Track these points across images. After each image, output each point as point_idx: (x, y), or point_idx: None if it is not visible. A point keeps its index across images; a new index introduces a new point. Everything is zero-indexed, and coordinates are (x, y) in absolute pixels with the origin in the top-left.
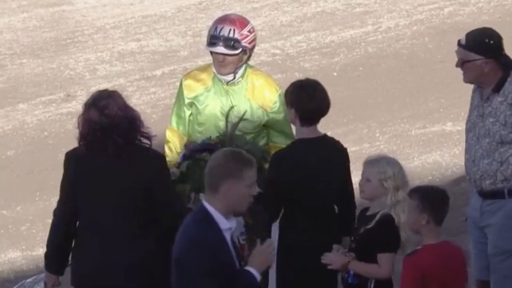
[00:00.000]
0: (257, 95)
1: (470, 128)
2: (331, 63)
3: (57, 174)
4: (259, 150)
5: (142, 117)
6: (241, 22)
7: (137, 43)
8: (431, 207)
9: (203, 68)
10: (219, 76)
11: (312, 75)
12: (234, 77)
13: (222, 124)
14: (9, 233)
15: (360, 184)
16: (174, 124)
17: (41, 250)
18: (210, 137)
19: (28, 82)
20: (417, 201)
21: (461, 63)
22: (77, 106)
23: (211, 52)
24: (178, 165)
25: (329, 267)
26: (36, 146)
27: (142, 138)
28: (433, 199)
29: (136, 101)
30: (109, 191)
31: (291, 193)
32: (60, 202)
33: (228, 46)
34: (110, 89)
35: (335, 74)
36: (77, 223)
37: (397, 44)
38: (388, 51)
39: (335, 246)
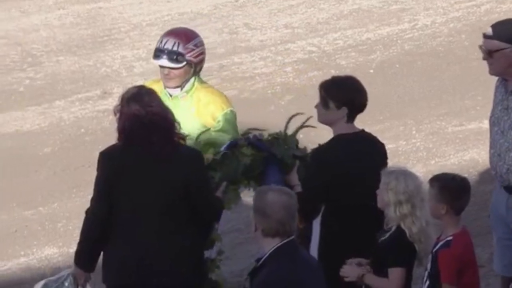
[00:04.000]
0: (203, 112)
1: (494, 122)
2: (368, 60)
3: (94, 171)
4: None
5: None
6: (188, 35)
7: None
8: (450, 197)
9: (157, 81)
10: (166, 90)
11: (348, 73)
12: (181, 91)
13: None
14: (46, 230)
15: (377, 193)
16: None
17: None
18: (262, 134)
19: (65, 79)
20: (436, 190)
21: (488, 54)
22: (113, 103)
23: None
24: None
25: (345, 279)
26: (73, 143)
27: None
28: (452, 189)
29: None
30: (148, 188)
31: (333, 189)
32: (94, 201)
33: (172, 59)
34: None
35: (371, 71)
36: (112, 220)
37: (433, 42)
38: (424, 49)
39: (349, 261)
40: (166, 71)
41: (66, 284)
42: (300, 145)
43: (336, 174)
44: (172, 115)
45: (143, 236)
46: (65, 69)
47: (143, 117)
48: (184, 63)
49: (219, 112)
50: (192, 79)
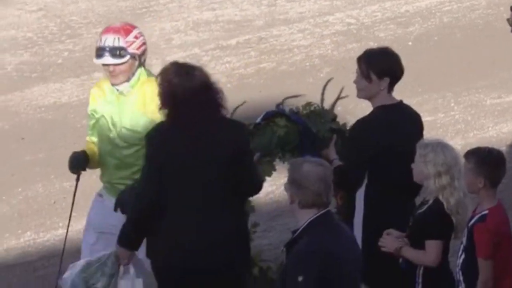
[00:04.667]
0: (148, 105)
1: None
2: (406, 32)
3: None
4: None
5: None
6: (126, 29)
7: (212, 12)
8: (486, 170)
9: (106, 79)
10: (115, 86)
11: (386, 45)
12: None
13: (111, 134)
14: (85, 202)
15: (412, 167)
16: (89, 134)
17: None
18: (298, 107)
19: None
20: (473, 164)
21: None
22: None
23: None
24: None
25: (382, 249)
26: None
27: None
28: (488, 162)
29: (211, 70)
30: (197, 166)
31: (376, 161)
32: (144, 181)
33: (115, 55)
34: (184, 59)
35: (410, 43)
36: (161, 201)
37: (472, 14)
38: (463, 21)
39: (387, 231)
40: (111, 68)
41: (109, 263)
42: (339, 118)
43: (380, 145)
44: (218, 86)
45: (193, 216)
46: None
47: (189, 92)
48: (128, 57)
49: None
50: (137, 73)
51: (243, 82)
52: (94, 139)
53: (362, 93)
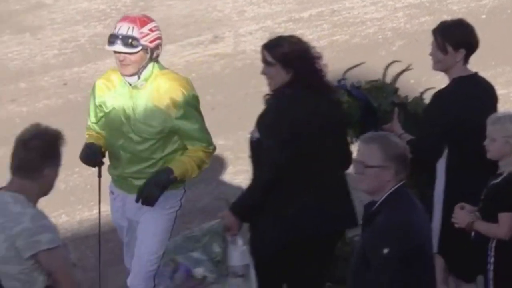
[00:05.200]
0: (162, 99)
1: None
2: (480, 5)
3: (206, 114)
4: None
5: None
6: (142, 20)
7: None
8: None
9: (115, 69)
10: (124, 78)
11: (460, 17)
12: (138, 79)
13: (124, 128)
14: None
15: (485, 144)
16: (90, 126)
17: None
18: (360, 81)
19: (176, 23)
20: None
21: None
22: (224, 48)
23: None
24: None
25: (456, 225)
26: None
27: None
28: None
29: None
30: (324, 132)
31: (453, 131)
32: (277, 149)
33: (127, 44)
34: (257, 32)
35: (483, 16)
36: (291, 169)
37: None
38: None
39: (459, 205)
40: (121, 57)
41: (217, 235)
42: (411, 92)
43: (457, 117)
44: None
45: (323, 181)
46: (177, 13)
47: (312, 58)
48: (140, 48)
49: (180, 98)
50: (151, 66)
51: None
52: (98, 129)
53: (439, 65)
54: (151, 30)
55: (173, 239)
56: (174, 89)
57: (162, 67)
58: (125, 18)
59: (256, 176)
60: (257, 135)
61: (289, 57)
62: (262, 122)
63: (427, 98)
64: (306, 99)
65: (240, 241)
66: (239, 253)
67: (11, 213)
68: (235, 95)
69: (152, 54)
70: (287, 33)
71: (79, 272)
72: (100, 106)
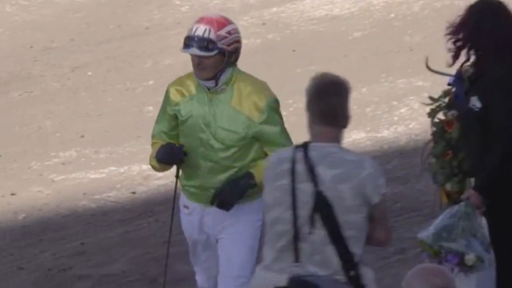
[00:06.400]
0: (244, 104)
1: None
2: None
3: (403, 56)
4: None
5: None
6: (220, 22)
7: None
8: None
9: (189, 74)
10: (201, 82)
11: None
12: (217, 84)
13: (204, 136)
14: (354, 114)
15: None
16: (157, 135)
17: (385, 132)
18: None
19: None
20: None
21: None
22: None
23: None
24: None
25: None
26: (382, 28)
27: None
28: None
29: None
30: None
31: None
32: None
33: (202, 47)
34: None
35: None
36: None
37: None
38: None
39: None
40: (196, 60)
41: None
42: None
43: None
44: None
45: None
46: None
47: None
48: (216, 51)
49: (262, 102)
50: (230, 70)
51: None
52: (167, 138)
53: None
54: (229, 32)
55: (425, 232)
56: (255, 93)
57: (240, 71)
58: (202, 19)
59: (494, 148)
60: (478, 104)
61: None
62: (490, 90)
63: None
64: None
65: (484, 220)
66: (486, 231)
67: (348, 161)
68: (432, 36)
69: (230, 58)
70: None
71: None
72: (175, 114)
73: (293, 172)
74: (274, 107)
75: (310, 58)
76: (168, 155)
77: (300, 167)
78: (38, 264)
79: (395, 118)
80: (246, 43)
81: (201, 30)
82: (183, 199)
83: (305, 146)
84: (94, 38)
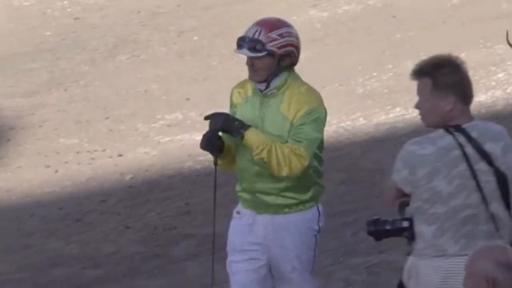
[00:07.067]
0: (291, 110)
1: None
2: None
3: (500, 22)
4: None
5: None
6: (273, 24)
7: None
8: None
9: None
10: (255, 85)
11: None
12: (268, 87)
13: None
14: None
15: None
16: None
17: (483, 97)
18: None
19: None
20: None
21: None
22: None
23: None
24: None
25: None
26: None
27: None
28: None
29: None
30: None
31: None
32: None
33: (251, 48)
34: None
35: None
36: None
37: None
38: None
39: None
40: (249, 61)
41: None
42: None
43: None
44: None
45: None
46: None
47: None
48: (264, 52)
49: (308, 109)
50: (285, 75)
51: None
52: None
53: None
54: (281, 35)
55: None
56: (304, 101)
57: (296, 77)
58: (258, 22)
59: None
60: None
61: None
62: None
63: None
64: None
65: None
66: None
67: (499, 132)
68: None
69: (281, 62)
70: None
71: None
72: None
73: (465, 156)
74: (313, 115)
75: (409, 24)
76: (207, 139)
77: (469, 149)
78: (144, 224)
79: (493, 83)
80: (347, 10)
81: (252, 31)
82: (237, 207)
83: (460, 129)
84: (200, 3)
